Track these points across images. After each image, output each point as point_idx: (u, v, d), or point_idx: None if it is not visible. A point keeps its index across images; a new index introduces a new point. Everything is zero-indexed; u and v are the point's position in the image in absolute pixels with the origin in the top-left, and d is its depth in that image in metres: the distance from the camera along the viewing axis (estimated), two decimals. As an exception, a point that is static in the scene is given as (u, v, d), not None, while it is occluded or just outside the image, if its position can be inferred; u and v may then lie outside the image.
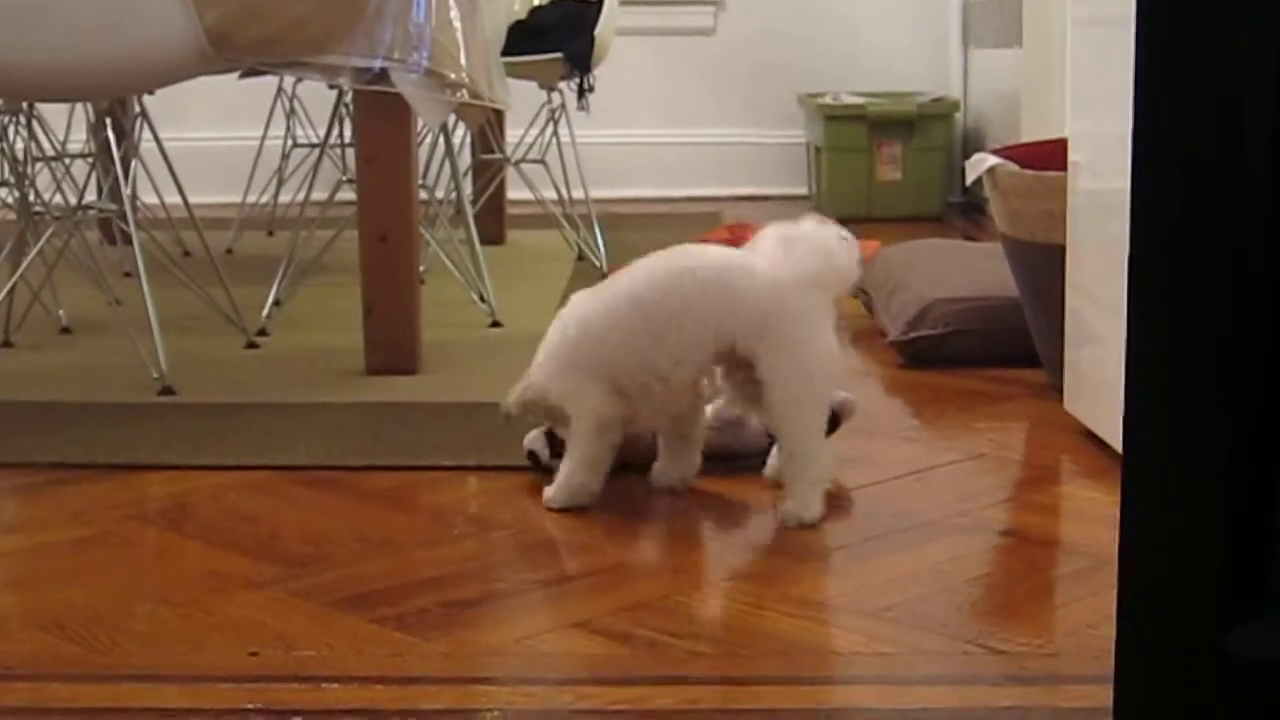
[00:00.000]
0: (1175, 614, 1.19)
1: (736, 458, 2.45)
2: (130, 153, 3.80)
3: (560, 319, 2.35)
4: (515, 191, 4.88)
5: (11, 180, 3.59)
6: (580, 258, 4.49)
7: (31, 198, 3.35)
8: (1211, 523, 1.17)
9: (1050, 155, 2.82)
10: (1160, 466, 1.20)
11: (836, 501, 2.29)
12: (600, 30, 4.29)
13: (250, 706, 1.64)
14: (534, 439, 2.42)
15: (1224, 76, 1.14)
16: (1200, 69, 1.16)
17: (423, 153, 4.05)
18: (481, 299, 3.66)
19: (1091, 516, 2.23)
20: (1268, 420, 1.16)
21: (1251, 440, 1.16)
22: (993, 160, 2.91)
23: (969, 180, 3.00)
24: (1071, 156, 2.64)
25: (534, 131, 4.58)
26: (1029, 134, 4.37)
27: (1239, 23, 1.12)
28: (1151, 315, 1.21)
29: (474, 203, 4.45)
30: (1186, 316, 1.18)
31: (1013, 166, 2.88)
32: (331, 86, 3.74)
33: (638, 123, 6.14)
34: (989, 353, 3.14)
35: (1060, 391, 2.72)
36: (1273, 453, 1.16)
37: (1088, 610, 1.86)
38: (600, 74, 4.44)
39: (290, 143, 5.00)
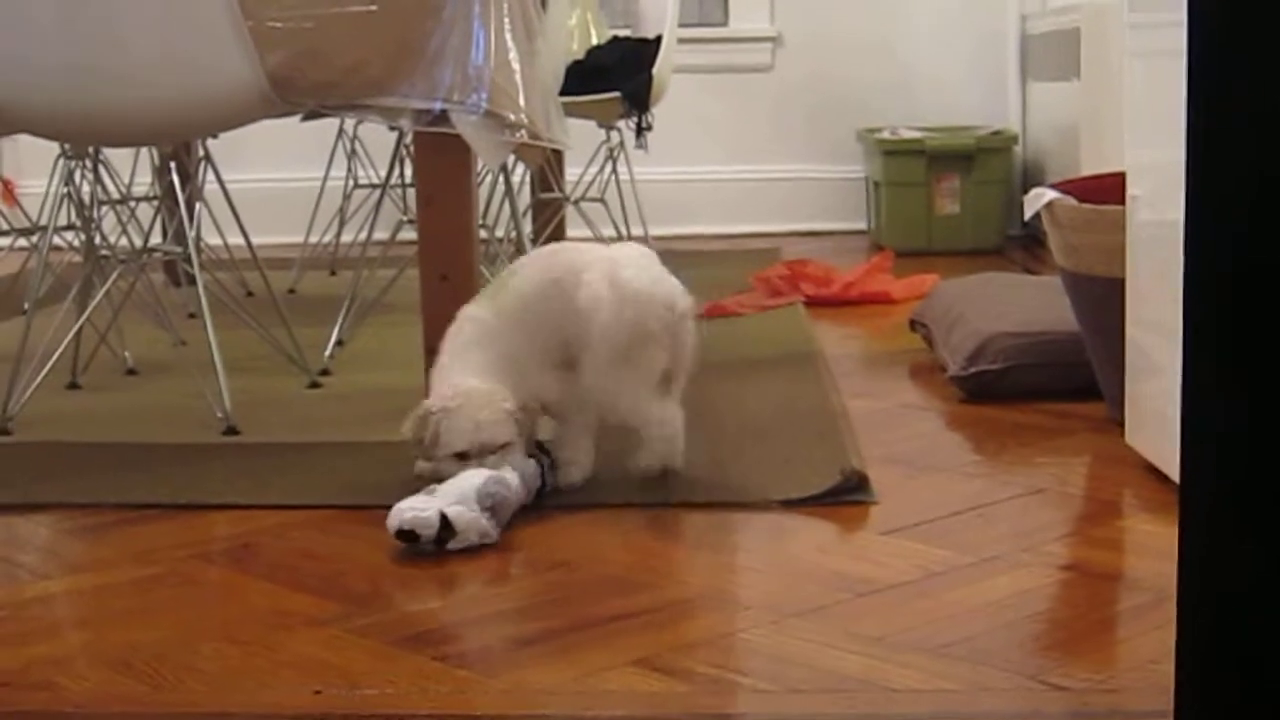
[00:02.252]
0: (1235, 647, 1.18)
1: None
2: (194, 195, 3.85)
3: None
4: (575, 230, 4.90)
5: (78, 223, 3.64)
6: (640, 295, 4.50)
7: (98, 240, 3.39)
8: (1270, 555, 1.16)
9: (1109, 189, 2.81)
10: (1217, 499, 1.20)
11: (897, 536, 2.30)
12: (658, 68, 4.31)
13: (315, 744, 1.66)
14: (427, 519, 2.27)
15: (1277, 109, 1.14)
16: (1252, 103, 1.16)
17: (483, 192, 4.07)
18: (542, 337, 3.67)
19: (1154, 550, 2.22)
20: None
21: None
22: (1051, 194, 2.91)
23: (1028, 215, 2.99)
24: (1130, 190, 2.64)
25: (593, 170, 4.61)
26: (1088, 167, 4.36)
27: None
28: (1207, 347, 1.21)
29: (534, 241, 4.47)
30: (1242, 349, 1.18)
31: (1071, 200, 2.88)
32: (392, 128, 3.76)
33: (696, 160, 6.15)
34: (1049, 387, 3.13)
35: (1121, 425, 2.71)
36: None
37: (1150, 645, 1.85)
38: (658, 112, 4.46)
39: (352, 183, 5.05)
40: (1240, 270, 1.20)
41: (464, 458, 2.42)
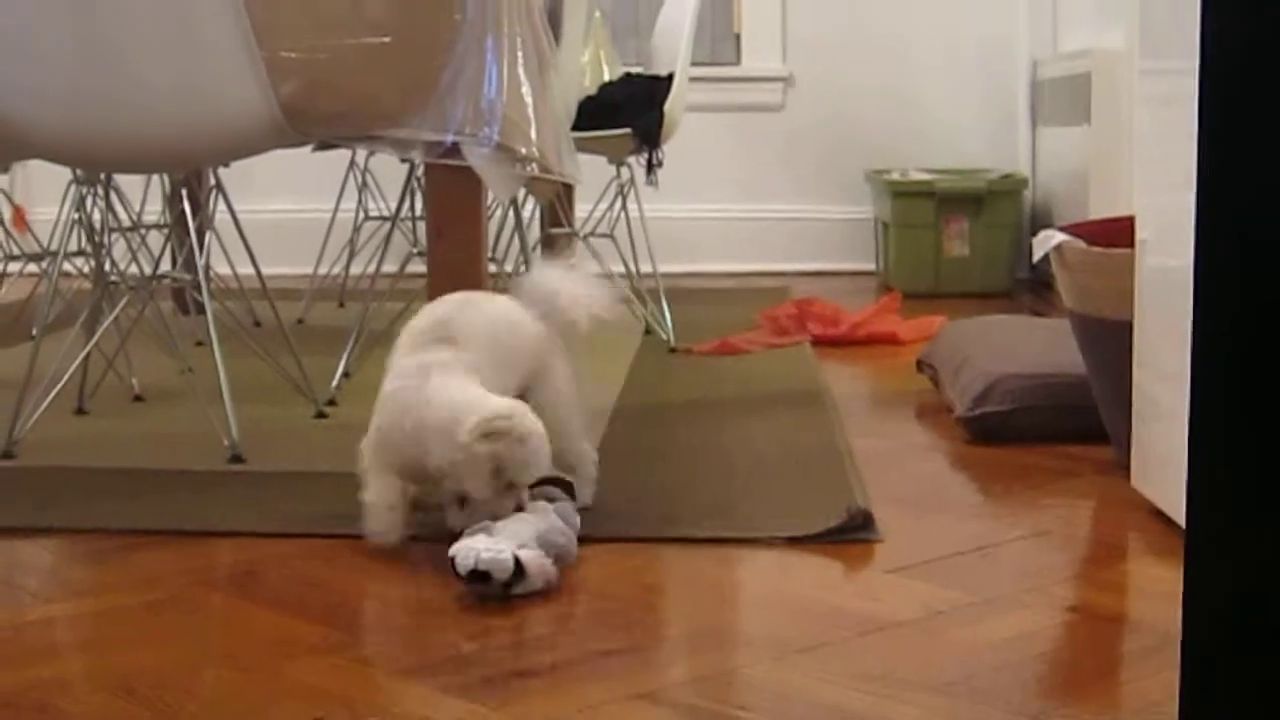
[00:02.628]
0: (1239, 691, 1.18)
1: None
2: (205, 224, 3.86)
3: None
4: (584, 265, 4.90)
5: (88, 250, 3.64)
6: (648, 332, 4.51)
7: (107, 267, 3.40)
8: (1275, 603, 1.16)
9: (1118, 232, 2.82)
10: (1224, 543, 1.20)
11: (901, 575, 2.29)
12: (669, 106, 4.32)
13: (315, 771, 1.65)
14: (504, 561, 2.17)
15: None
16: (1263, 151, 1.16)
17: (492, 226, 4.09)
18: (549, 371, 3.67)
19: (1159, 594, 2.22)
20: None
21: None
22: (1060, 237, 2.92)
23: (1036, 257, 3.00)
24: (1139, 234, 2.64)
25: (603, 206, 4.62)
26: (1097, 211, 4.37)
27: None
28: (1214, 393, 1.21)
29: (542, 276, 4.46)
30: (1249, 394, 1.18)
31: (1080, 243, 2.88)
32: (403, 160, 3.77)
33: (706, 198, 6.17)
34: (1056, 429, 3.13)
35: (1128, 469, 2.71)
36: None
37: (1154, 687, 1.85)
38: (669, 149, 4.47)
39: (362, 215, 5.06)
40: (1249, 317, 1.20)
41: (509, 488, 2.29)
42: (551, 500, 2.41)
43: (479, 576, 2.16)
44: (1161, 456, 2.53)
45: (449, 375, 2.37)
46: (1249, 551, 1.20)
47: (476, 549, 2.17)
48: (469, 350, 2.43)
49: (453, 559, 2.18)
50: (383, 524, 2.39)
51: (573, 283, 2.62)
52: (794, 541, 2.45)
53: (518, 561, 2.16)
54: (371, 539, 2.38)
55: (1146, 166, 2.65)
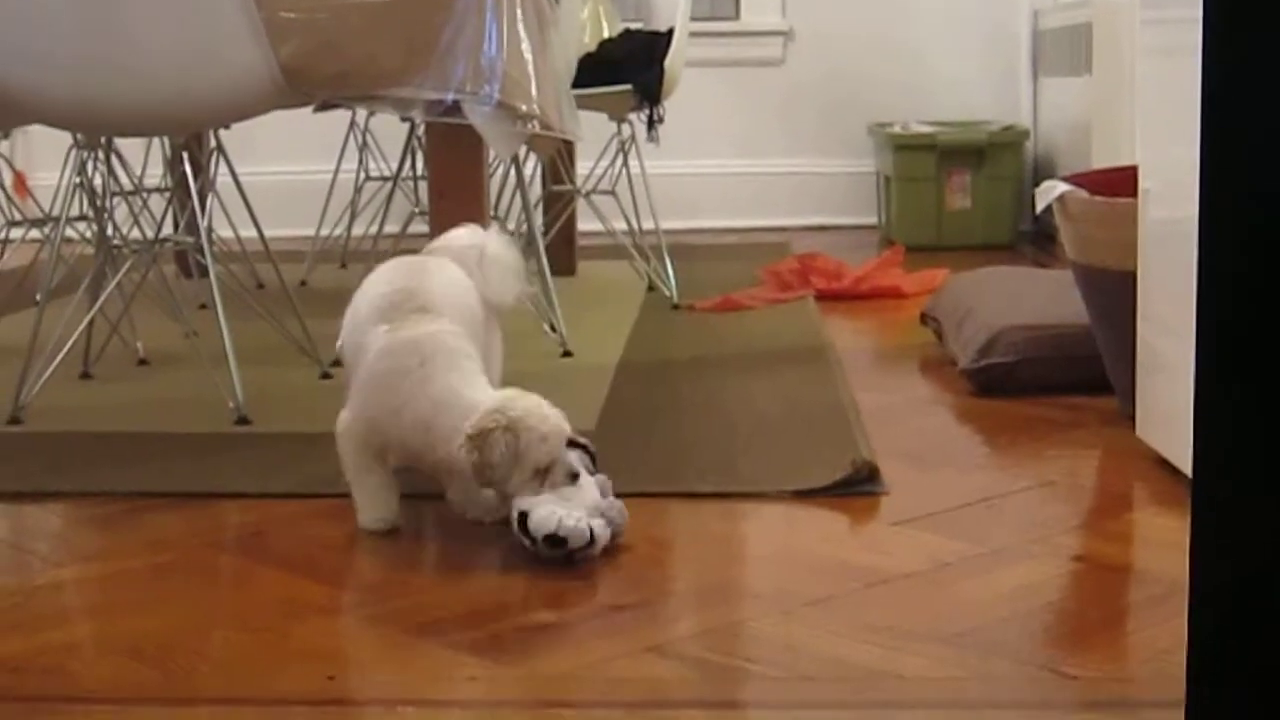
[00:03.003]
0: (1247, 637, 1.19)
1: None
2: (206, 187, 3.85)
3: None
4: (586, 223, 4.91)
5: (90, 214, 3.64)
6: (651, 288, 4.51)
7: (110, 231, 3.40)
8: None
9: (1121, 182, 2.81)
10: (1229, 489, 1.20)
11: (907, 527, 2.30)
12: (669, 62, 4.31)
13: (326, 730, 1.66)
14: (581, 530, 2.15)
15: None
16: (1268, 99, 1.16)
17: (494, 185, 4.08)
18: (552, 329, 3.68)
19: (1165, 543, 2.22)
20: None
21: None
22: (1063, 187, 2.91)
23: (1039, 208, 2.99)
24: (1142, 184, 2.64)
25: (604, 163, 4.61)
26: (1100, 162, 4.36)
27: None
28: (1218, 340, 1.21)
29: (545, 234, 4.47)
30: (1253, 342, 1.18)
31: (1083, 193, 2.88)
32: (404, 119, 3.77)
33: (707, 154, 6.16)
34: (1060, 380, 3.13)
35: (1132, 419, 2.71)
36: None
37: (1161, 636, 1.86)
38: (670, 105, 4.46)
39: (363, 176, 5.06)
40: (1254, 266, 1.20)
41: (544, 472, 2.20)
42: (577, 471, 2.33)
43: (556, 542, 2.14)
44: (1166, 407, 2.53)
45: (449, 363, 2.29)
46: (1255, 500, 1.20)
47: (558, 515, 2.14)
48: (448, 320, 2.35)
49: (523, 516, 2.15)
50: (382, 512, 2.33)
51: (495, 245, 2.57)
52: (799, 496, 2.45)
53: (591, 531, 2.16)
54: (371, 527, 2.32)
55: (1149, 117, 2.64)
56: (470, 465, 2.17)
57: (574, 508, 2.17)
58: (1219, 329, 1.22)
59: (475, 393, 2.25)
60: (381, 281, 2.42)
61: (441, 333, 2.31)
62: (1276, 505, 1.18)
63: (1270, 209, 1.18)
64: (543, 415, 2.20)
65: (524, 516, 2.15)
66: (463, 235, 2.59)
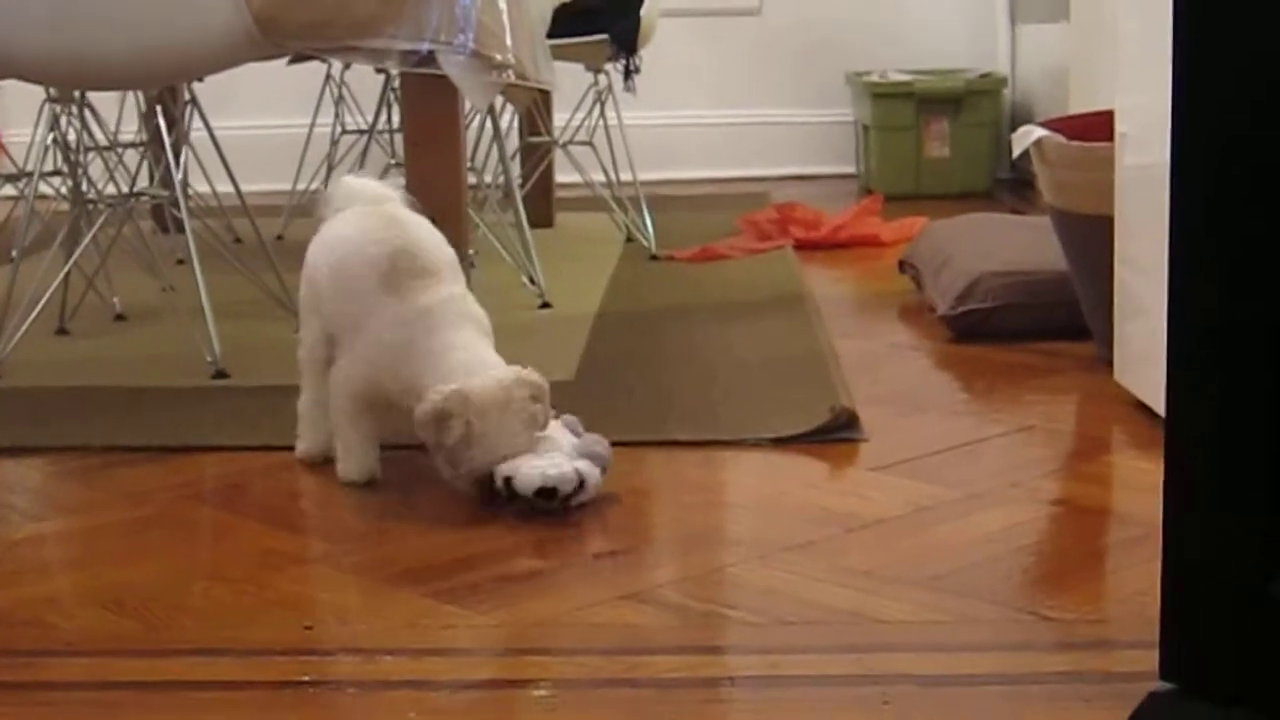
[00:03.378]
0: (1219, 578, 1.19)
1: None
2: (181, 140, 3.83)
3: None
4: (563, 174, 4.89)
5: (65, 169, 3.62)
6: (629, 239, 4.50)
7: (84, 186, 3.38)
8: (1252, 482, 1.17)
9: (1098, 127, 2.81)
10: (1202, 431, 1.20)
11: (886, 473, 2.31)
12: (645, 12, 4.29)
13: (305, 679, 1.66)
14: (569, 476, 2.17)
15: (1262, 58, 1.14)
16: (1238, 43, 1.16)
17: (470, 136, 4.07)
18: (531, 281, 3.67)
19: (1142, 486, 2.23)
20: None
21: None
22: (1040, 132, 2.91)
23: (1016, 153, 2.99)
24: (1119, 128, 2.64)
25: (581, 114, 4.59)
26: (1077, 108, 4.35)
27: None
28: (1192, 285, 1.22)
29: (522, 186, 4.46)
30: (1227, 286, 1.18)
31: (1059, 138, 2.88)
32: (379, 70, 3.76)
33: (685, 104, 6.14)
34: (1038, 326, 3.13)
35: (1110, 363, 2.71)
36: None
37: (1138, 577, 1.86)
38: (646, 55, 4.44)
39: (339, 129, 5.03)
40: (1225, 210, 1.20)
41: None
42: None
43: (546, 493, 2.14)
44: (1143, 350, 2.54)
45: (459, 328, 2.27)
46: (1226, 439, 1.20)
47: (540, 467, 2.14)
48: (449, 281, 2.33)
49: (508, 480, 2.15)
50: (366, 465, 2.32)
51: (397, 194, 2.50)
52: (779, 443, 2.46)
53: (579, 474, 2.16)
54: (349, 478, 2.32)
55: (1127, 62, 2.63)
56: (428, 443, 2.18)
57: (553, 456, 2.17)
58: (1191, 272, 1.22)
59: (487, 356, 2.25)
60: (368, 241, 2.35)
61: (453, 298, 2.30)
62: (1247, 442, 1.19)
63: (1240, 153, 1.18)
64: (542, 383, 2.19)
65: (509, 481, 2.15)
66: (371, 186, 2.51)
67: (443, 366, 2.21)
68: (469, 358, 2.23)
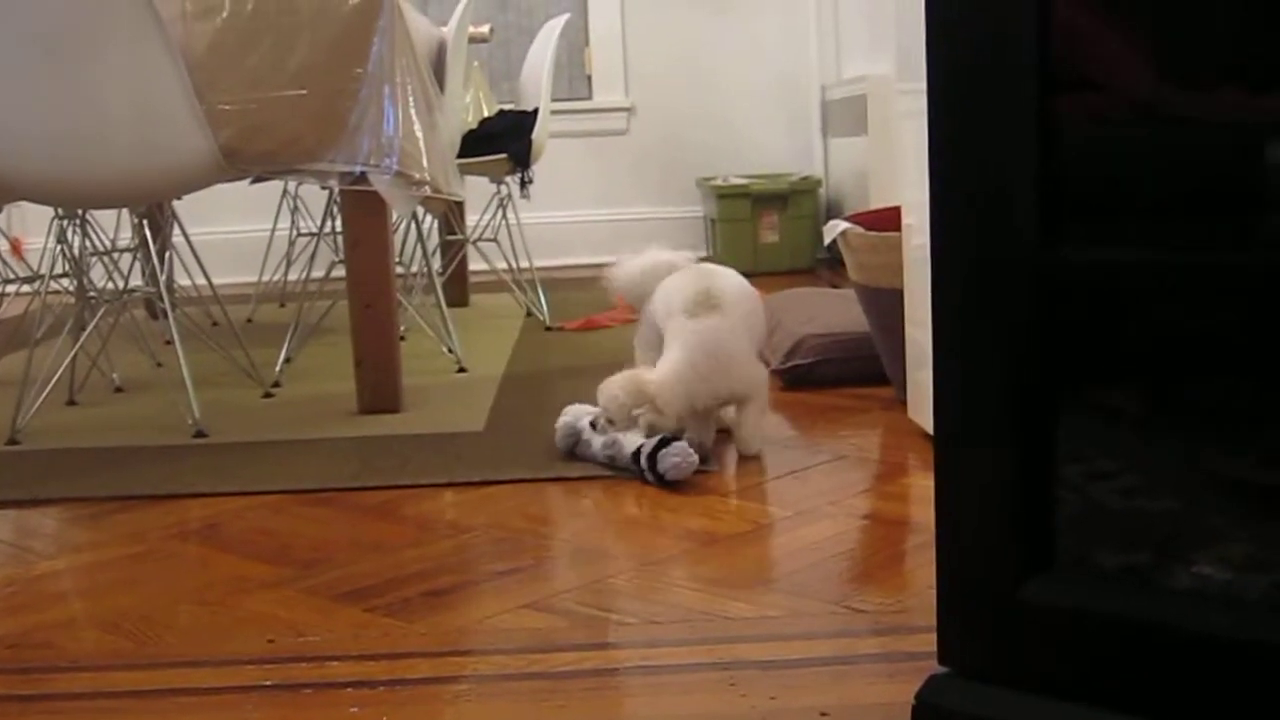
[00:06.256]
0: (980, 573, 1.20)
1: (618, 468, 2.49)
2: (165, 245, 3.78)
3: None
4: (475, 264, 4.88)
5: (71, 271, 3.56)
6: (529, 314, 4.49)
7: (87, 285, 3.32)
8: (1005, 509, 1.18)
9: (890, 219, 2.84)
10: (961, 456, 1.21)
11: (732, 498, 2.30)
12: (536, 134, 4.30)
13: (269, 683, 1.63)
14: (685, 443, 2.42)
15: (987, 169, 1.16)
16: (975, 155, 1.17)
17: (398, 237, 4.04)
18: (450, 350, 3.65)
19: (931, 500, 2.23)
20: (1045, 417, 1.17)
21: (1032, 431, 1.17)
22: (844, 225, 2.93)
23: (826, 241, 3.02)
24: (905, 220, 2.67)
25: (487, 216, 4.59)
26: (876, 203, 4.41)
27: (998, 132, 1.14)
28: (948, 340, 1.22)
29: (441, 274, 4.44)
30: (972, 343, 1.19)
31: (860, 229, 2.90)
32: (323, 187, 3.71)
33: (570, 205, 6.15)
34: (849, 376, 3.16)
35: (904, 404, 2.74)
36: (1049, 443, 1.17)
37: (930, 575, 1.87)
38: (539, 168, 4.45)
39: (295, 232, 4.98)
40: (971, 284, 1.21)
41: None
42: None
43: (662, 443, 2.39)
44: (929, 392, 2.55)
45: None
46: (980, 463, 1.21)
47: (667, 452, 2.39)
48: (727, 315, 2.58)
49: (653, 459, 2.38)
50: (707, 438, 2.59)
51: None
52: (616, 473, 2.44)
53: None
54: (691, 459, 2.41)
55: (907, 166, 2.67)
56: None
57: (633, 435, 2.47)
58: (948, 328, 1.23)
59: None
60: (688, 285, 2.64)
61: (718, 327, 2.55)
62: (998, 466, 1.19)
63: (981, 239, 1.19)
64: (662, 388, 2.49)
65: (653, 459, 2.40)
66: (676, 255, 2.86)
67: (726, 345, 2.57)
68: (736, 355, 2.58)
